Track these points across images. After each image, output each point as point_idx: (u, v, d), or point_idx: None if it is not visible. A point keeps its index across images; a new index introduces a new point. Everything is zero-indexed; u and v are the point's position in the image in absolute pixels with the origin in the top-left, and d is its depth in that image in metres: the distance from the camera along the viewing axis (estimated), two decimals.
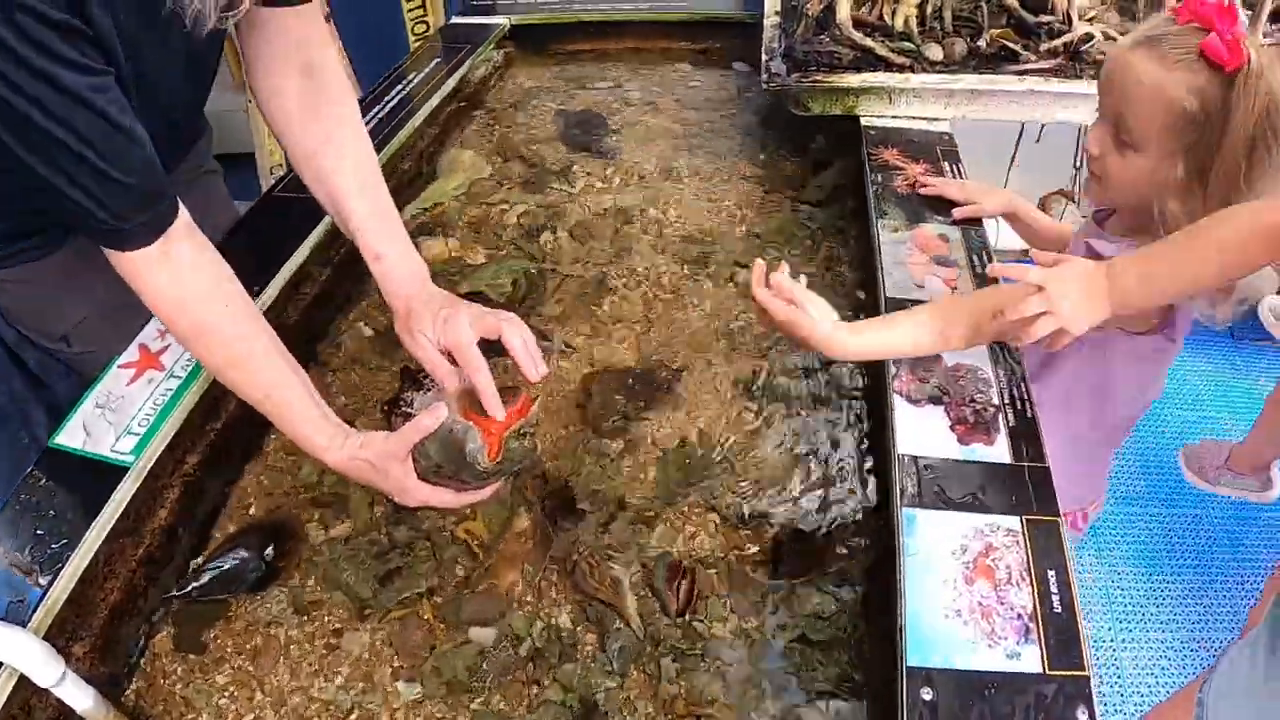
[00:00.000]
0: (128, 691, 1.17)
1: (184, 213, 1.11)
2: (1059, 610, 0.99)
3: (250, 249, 1.58)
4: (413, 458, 1.13)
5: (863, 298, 1.58)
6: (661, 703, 1.09)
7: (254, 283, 1.50)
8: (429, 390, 1.22)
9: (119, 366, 1.35)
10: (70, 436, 1.27)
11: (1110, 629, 2.26)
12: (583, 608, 1.18)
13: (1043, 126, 2.77)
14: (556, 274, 1.68)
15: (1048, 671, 0.95)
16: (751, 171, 1.95)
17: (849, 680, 1.09)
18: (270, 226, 1.62)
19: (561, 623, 1.17)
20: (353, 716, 1.11)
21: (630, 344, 1.52)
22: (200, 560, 1.27)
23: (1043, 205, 3.18)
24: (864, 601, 1.16)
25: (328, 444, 1.15)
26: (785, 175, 1.94)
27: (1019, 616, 0.99)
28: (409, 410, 1.21)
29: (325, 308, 1.61)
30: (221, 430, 1.38)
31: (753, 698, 1.08)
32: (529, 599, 1.20)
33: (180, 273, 1.10)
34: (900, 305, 1.36)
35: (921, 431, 1.18)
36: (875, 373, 1.42)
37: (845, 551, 1.21)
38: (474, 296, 1.57)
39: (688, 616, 1.15)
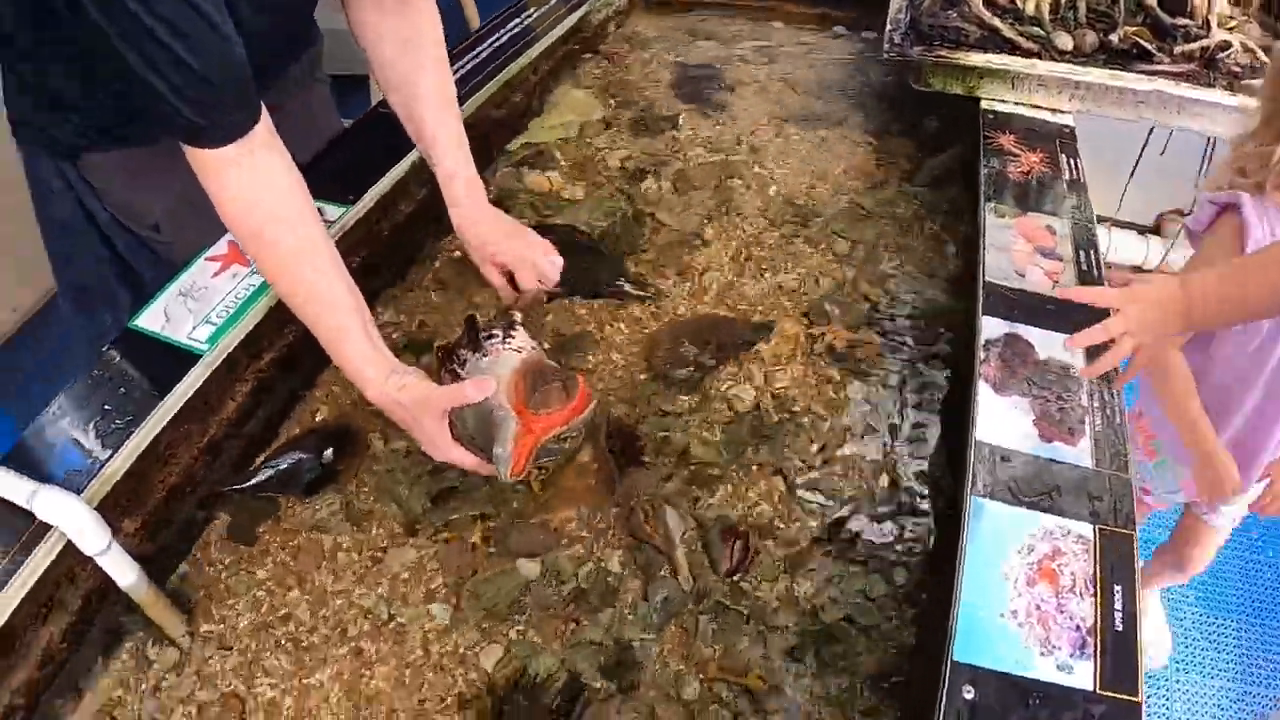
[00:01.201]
0: (174, 574, 1.18)
1: (267, 121, 1.11)
2: (1120, 628, 0.94)
3: (351, 161, 1.59)
4: (450, 420, 1.13)
5: (964, 282, 1.53)
6: (694, 663, 1.06)
7: (350, 192, 1.50)
8: (485, 355, 1.17)
9: (206, 259, 1.36)
10: (150, 319, 1.28)
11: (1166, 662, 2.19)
12: (633, 553, 1.15)
13: (1168, 138, 2.67)
14: (654, 220, 1.64)
15: (1099, 690, 0.89)
16: (862, 142, 1.89)
17: (891, 668, 1.05)
18: (373, 141, 1.60)
19: (610, 565, 1.14)
20: (387, 628, 1.10)
21: (717, 297, 1.49)
22: (262, 457, 1.27)
23: (1158, 224, 3.06)
24: (918, 589, 1.12)
25: (372, 377, 1.14)
26: (897, 151, 1.87)
27: (1077, 628, 0.93)
28: (457, 369, 1.18)
29: (419, 227, 1.60)
30: (299, 334, 1.37)
31: (787, 672, 1.05)
32: (582, 537, 1.17)
33: (253, 178, 1.09)
34: (998, 291, 1.31)
35: (1003, 421, 1.13)
36: (963, 356, 1.37)
37: (908, 535, 1.17)
38: (567, 231, 1.56)
39: (737, 577, 1.13)
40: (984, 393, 1.16)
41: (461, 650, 1.09)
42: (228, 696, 1.07)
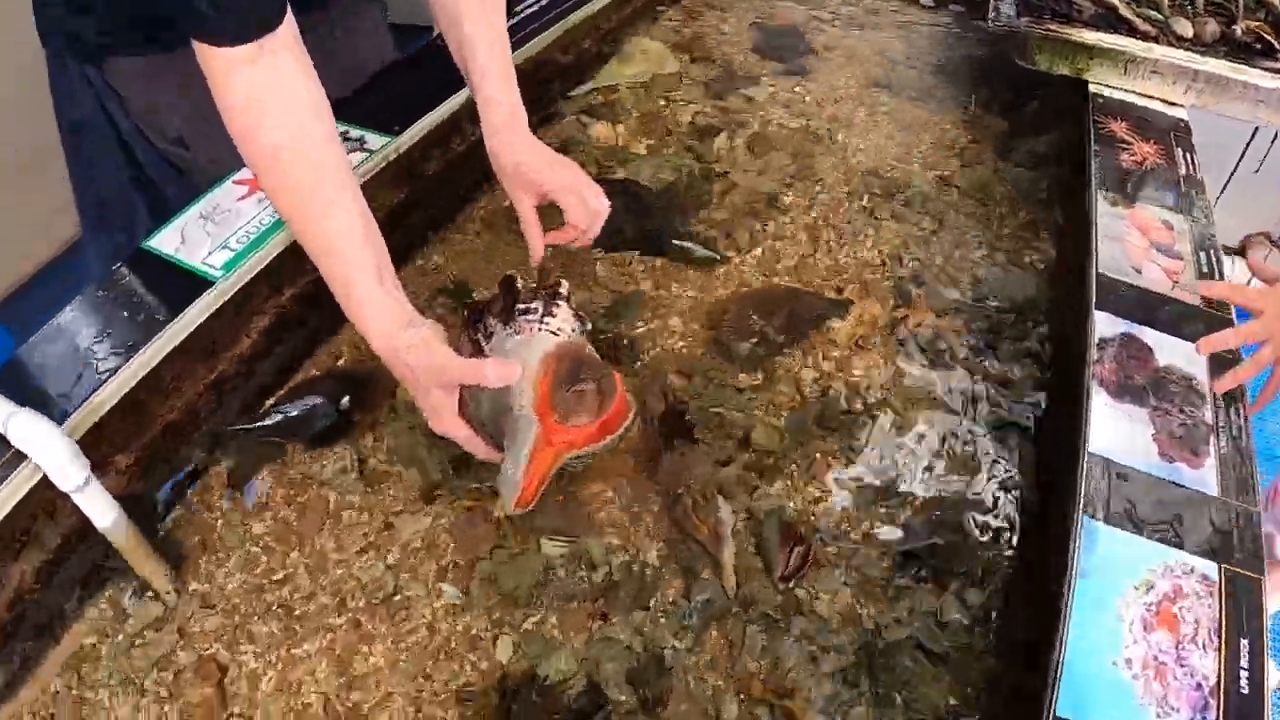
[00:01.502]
0: (166, 519, 1.07)
1: (291, 25, 0.96)
2: (1245, 690, 0.79)
3: (403, 92, 1.46)
4: (461, 395, 0.99)
5: (1060, 274, 1.37)
6: (736, 679, 0.92)
7: (397, 123, 1.37)
8: (516, 333, 1.02)
9: (233, 182, 1.25)
10: (165, 241, 1.17)
11: None
12: (674, 546, 1.01)
13: (1263, 158, 2.50)
14: (726, 180, 1.50)
15: None
16: (954, 118, 1.73)
17: (961, 705, 0.90)
18: (429, 74, 1.45)
19: (648, 558, 1.00)
20: (391, 603, 0.99)
21: (791, 268, 1.34)
22: (272, 400, 1.15)
23: (1243, 247, 2.88)
24: (1000, 618, 0.97)
25: (379, 326, 0.98)
26: (992, 131, 1.71)
27: (1199, 686, 0.78)
28: (481, 340, 1.04)
29: (473, 167, 1.45)
30: None
31: (842, 699, 0.90)
32: (618, 521, 1.04)
33: (267, 84, 0.94)
34: (1112, 285, 1.16)
35: (1119, 433, 0.97)
36: (1060, 354, 1.22)
37: (991, 554, 1.02)
38: (629, 186, 1.42)
39: (791, 584, 0.99)
40: (1098, 398, 1.00)
41: (472, 634, 0.96)
42: (206, 661, 0.96)
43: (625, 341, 1.22)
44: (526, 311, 1.03)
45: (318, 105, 0.98)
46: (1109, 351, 1.05)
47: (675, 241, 1.34)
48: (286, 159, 0.95)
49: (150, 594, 1.00)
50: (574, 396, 0.96)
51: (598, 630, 0.95)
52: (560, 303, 1.05)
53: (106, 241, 1.42)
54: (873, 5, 2.11)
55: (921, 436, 1.13)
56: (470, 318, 1.08)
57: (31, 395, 0.98)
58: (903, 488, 1.08)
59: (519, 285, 1.09)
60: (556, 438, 0.95)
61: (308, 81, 0.97)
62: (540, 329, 1.01)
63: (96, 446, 1.00)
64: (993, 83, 1.82)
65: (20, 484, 0.94)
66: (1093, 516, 0.89)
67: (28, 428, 0.85)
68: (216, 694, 0.93)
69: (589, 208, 1.19)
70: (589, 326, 1.09)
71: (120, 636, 0.98)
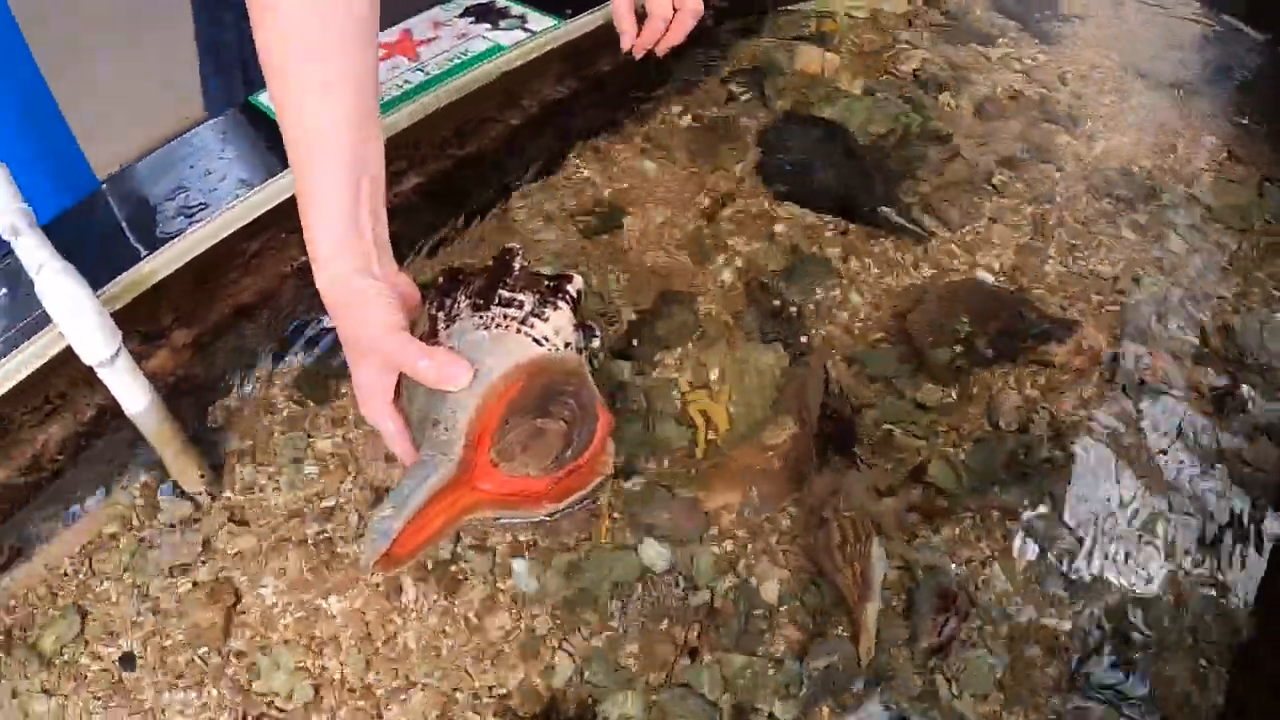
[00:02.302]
0: (218, 408, 0.92)
1: None
2: None
3: None
4: (400, 381, 0.76)
5: None
6: None
7: (570, 5, 1.18)
8: (488, 327, 0.75)
9: None
10: None
11: None
12: (802, 582, 0.80)
13: None
14: (946, 144, 1.26)
15: None
16: (1219, 126, 1.45)
17: None
18: None
19: (764, 591, 0.80)
20: (444, 571, 0.81)
21: (1005, 266, 1.10)
22: None
23: None
24: None
25: (326, 259, 0.75)
26: (1261, 152, 1.43)
27: None
28: (440, 320, 0.78)
29: (648, 72, 1.26)
30: (463, 156, 1.07)
31: None
32: (737, 535, 0.83)
33: None
34: None
35: None
36: None
37: (1181, 686, 0.78)
38: (835, 128, 1.21)
39: (935, 661, 0.77)
40: None
41: (532, 635, 0.78)
42: (222, 584, 0.81)
43: (792, 310, 1.00)
44: (509, 302, 0.77)
45: None
46: None
47: (876, 207, 1.11)
48: (282, 13, 0.72)
49: (182, 492, 0.86)
50: (527, 432, 0.73)
51: (680, 670, 0.76)
52: (561, 303, 0.79)
53: (222, 92, 1.27)
54: None
55: (1136, 509, 0.89)
56: (441, 287, 0.82)
57: (92, 247, 0.86)
58: (1098, 570, 0.84)
59: (517, 265, 0.82)
60: (480, 485, 0.72)
61: None
62: (520, 330, 0.75)
63: (152, 317, 0.86)
64: (1267, 99, 1.53)
65: (54, 341, 0.80)
66: None
67: (53, 283, 0.69)
68: (223, 621, 0.79)
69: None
70: (597, 344, 0.84)
71: (145, 530, 0.85)
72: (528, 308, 0.76)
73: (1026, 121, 1.32)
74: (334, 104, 0.73)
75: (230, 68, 1.25)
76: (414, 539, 0.69)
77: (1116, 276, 1.11)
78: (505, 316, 0.75)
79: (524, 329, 0.75)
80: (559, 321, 0.77)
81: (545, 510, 0.75)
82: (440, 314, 0.77)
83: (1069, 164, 1.27)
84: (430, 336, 0.75)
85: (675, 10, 1.08)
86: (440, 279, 0.82)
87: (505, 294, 0.77)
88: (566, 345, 0.77)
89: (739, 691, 0.75)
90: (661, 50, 1.12)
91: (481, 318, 0.75)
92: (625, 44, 1.10)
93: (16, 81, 1.28)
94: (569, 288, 0.80)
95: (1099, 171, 1.26)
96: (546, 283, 0.80)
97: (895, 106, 1.29)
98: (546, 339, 0.75)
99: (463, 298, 0.77)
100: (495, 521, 0.79)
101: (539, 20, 1.13)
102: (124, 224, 0.92)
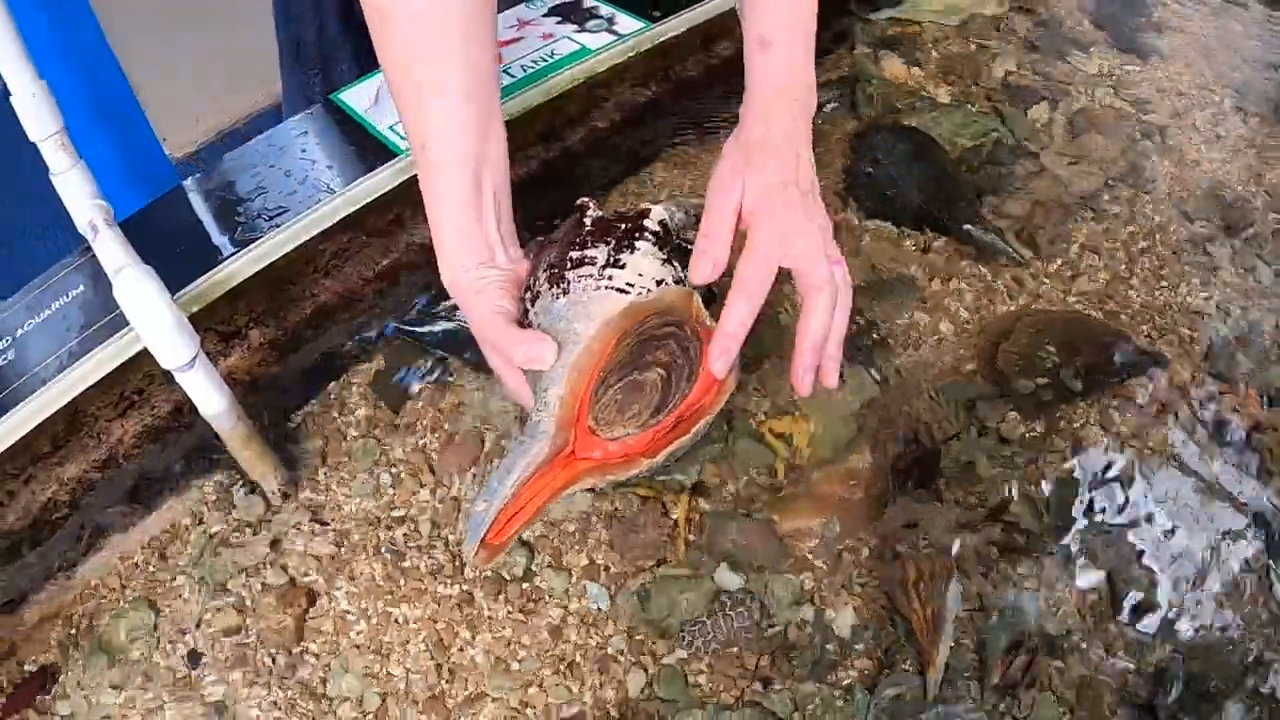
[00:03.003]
0: (294, 411, 0.92)
1: None
2: None
3: None
4: None
5: None
6: None
7: (659, 8, 1.16)
8: (564, 294, 0.72)
9: None
10: (357, 96, 1.01)
11: None
12: (876, 618, 0.79)
13: None
14: (1036, 160, 1.22)
15: None
16: None
17: None
18: None
19: (838, 622, 0.78)
20: (518, 587, 0.81)
21: (1094, 293, 1.06)
22: (449, 303, 0.97)
23: None
24: None
25: (449, 254, 0.76)
26: None
27: None
28: (527, 300, 0.75)
29: (734, 79, 1.23)
30: (548, 159, 1.06)
31: None
32: (815, 566, 0.82)
33: None
34: None
35: None
36: None
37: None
38: (922, 140, 1.18)
39: (1004, 701, 0.75)
40: None
41: (605, 652, 0.77)
42: (297, 587, 0.81)
43: (877, 336, 0.98)
44: (580, 261, 0.73)
45: None
46: None
47: (967, 223, 1.08)
48: (396, 20, 0.73)
49: (258, 490, 0.87)
50: (623, 390, 0.69)
51: (750, 693, 0.75)
52: (640, 241, 0.74)
53: (301, 87, 1.27)
54: None
55: (1213, 554, 0.86)
56: (535, 256, 0.79)
57: (171, 247, 0.86)
58: (1167, 611, 0.82)
59: (588, 219, 0.77)
60: (581, 455, 0.69)
61: None
62: (600, 286, 0.71)
63: (231, 318, 0.87)
64: None
65: (133, 339, 0.81)
66: None
67: (132, 287, 0.69)
68: (296, 624, 0.79)
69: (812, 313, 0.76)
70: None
71: (217, 527, 0.85)
72: (601, 260, 0.73)
73: (1117, 139, 1.28)
74: (454, 103, 0.74)
75: (309, 64, 1.25)
76: (509, 526, 0.67)
77: (1206, 309, 1.08)
78: (580, 277, 0.72)
79: (603, 283, 0.71)
80: (641, 262, 0.73)
81: (641, 468, 0.71)
82: (527, 294, 0.75)
83: (1160, 186, 1.23)
84: (523, 320, 0.74)
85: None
86: (535, 246, 0.80)
87: (575, 254, 0.73)
88: (659, 283, 0.73)
89: (808, 717, 0.73)
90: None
91: (559, 286, 0.72)
92: (700, 272, 0.75)
93: (96, 76, 1.29)
94: (646, 222, 0.76)
95: (1192, 195, 1.22)
96: (622, 225, 0.76)
97: (984, 119, 1.25)
98: (631, 285, 0.72)
99: (541, 271, 0.75)
100: (617, 484, 0.77)
101: (627, 22, 1.12)
102: (204, 223, 0.92)
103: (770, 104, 0.79)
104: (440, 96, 0.73)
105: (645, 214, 0.76)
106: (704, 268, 0.73)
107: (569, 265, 0.73)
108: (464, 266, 0.75)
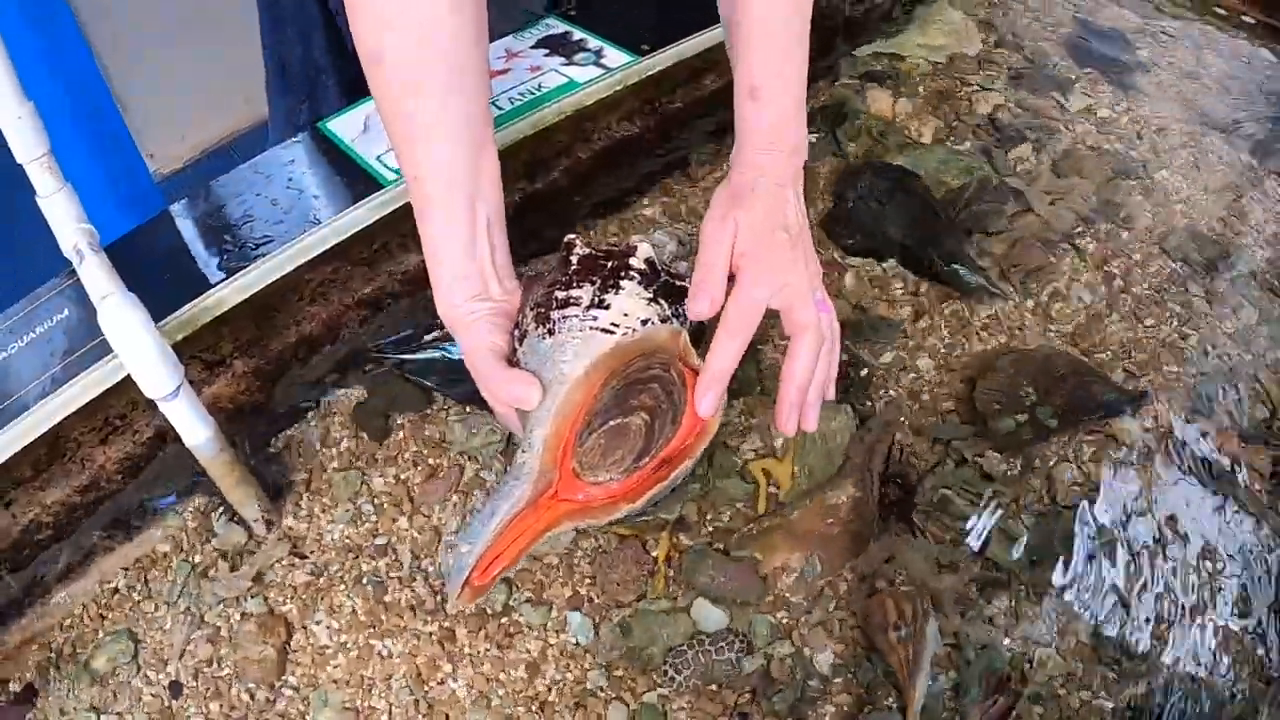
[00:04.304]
0: (277, 438, 0.92)
1: None
2: None
3: (663, 6, 1.26)
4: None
5: None
6: None
7: (648, 42, 1.17)
8: (548, 335, 0.72)
9: None
10: (345, 126, 1.02)
11: None
12: (855, 656, 0.79)
13: None
14: (1020, 199, 1.23)
15: None
16: None
17: None
18: None
19: (817, 659, 0.78)
20: (499, 622, 0.80)
21: (1072, 331, 1.07)
22: (432, 336, 0.98)
23: None
24: None
25: (445, 287, 0.78)
26: None
27: None
28: (515, 338, 0.76)
29: (719, 110, 1.24)
30: (528, 195, 1.06)
31: None
32: (793, 602, 0.82)
33: None
34: None
35: None
36: None
37: None
38: (905, 178, 1.19)
39: None
40: None
41: (582, 688, 0.77)
42: (276, 618, 0.81)
43: (861, 372, 0.99)
44: (566, 302, 0.73)
45: (451, 4, 0.74)
46: None
47: (948, 263, 1.09)
48: (390, 62, 0.74)
49: (238, 518, 0.86)
50: (607, 434, 0.70)
51: None
52: (625, 280, 0.74)
53: (288, 112, 1.28)
54: (1218, 32, 1.78)
55: (1191, 589, 0.87)
56: (524, 292, 0.80)
57: (155, 272, 0.87)
58: (1148, 647, 0.82)
59: (574, 257, 0.77)
60: (566, 493, 0.70)
61: None
62: (584, 327, 0.71)
63: (215, 345, 0.87)
64: None
65: (119, 367, 0.81)
66: None
67: (117, 315, 0.69)
68: (277, 656, 0.79)
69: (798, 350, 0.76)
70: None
71: (197, 556, 0.85)
72: (586, 300, 0.73)
73: (1101, 177, 1.30)
74: (446, 137, 0.75)
75: (296, 90, 1.26)
76: (493, 568, 0.69)
77: (1186, 347, 1.09)
78: (565, 317, 0.72)
79: (588, 324, 0.71)
80: (625, 302, 0.73)
81: (621, 512, 0.73)
82: (515, 331, 0.76)
83: (1142, 224, 1.24)
84: (512, 355, 0.75)
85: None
86: (524, 284, 0.81)
87: (560, 294, 0.73)
88: (644, 322, 0.73)
89: None
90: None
91: (544, 326, 0.72)
92: (698, 308, 0.75)
93: (83, 97, 1.30)
94: (632, 260, 0.76)
95: (1173, 233, 1.24)
96: (608, 263, 0.75)
97: (969, 157, 1.26)
98: (616, 325, 0.71)
99: (528, 309, 0.76)
100: (609, 523, 0.77)
101: (615, 55, 1.13)
102: (190, 250, 0.92)
103: (760, 154, 0.80)
104: (432, 131, 0.75)
105: (632, 251, 0.77)
106: (701, 303, 0.74)
107: (554, 305, 0.73)
108: (457, 299, 0.77)
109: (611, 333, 0.71)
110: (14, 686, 0.79)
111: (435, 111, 0.74)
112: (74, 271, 0.76)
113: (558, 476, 0.69)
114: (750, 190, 0.78)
